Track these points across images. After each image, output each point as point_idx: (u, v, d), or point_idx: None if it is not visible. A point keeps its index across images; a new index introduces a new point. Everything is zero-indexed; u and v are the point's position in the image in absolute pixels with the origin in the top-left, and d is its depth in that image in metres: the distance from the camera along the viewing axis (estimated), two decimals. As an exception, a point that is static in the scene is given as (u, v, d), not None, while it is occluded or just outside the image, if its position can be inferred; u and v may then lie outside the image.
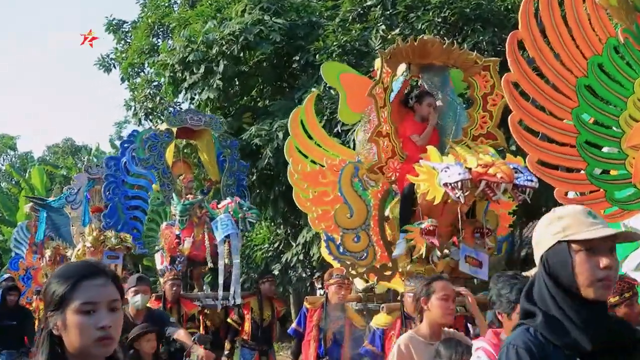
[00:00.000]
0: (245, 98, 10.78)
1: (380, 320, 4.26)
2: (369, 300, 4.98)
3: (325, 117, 8.07)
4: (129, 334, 3.85)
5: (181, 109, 7.90)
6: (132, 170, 8.12)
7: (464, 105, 5.12)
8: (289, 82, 10.33)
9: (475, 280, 4.78)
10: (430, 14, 7.77)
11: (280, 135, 8.39)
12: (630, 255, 3.86)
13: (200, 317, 6.50)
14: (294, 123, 5.44)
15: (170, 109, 10.32)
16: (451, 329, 3.13)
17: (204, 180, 8.46)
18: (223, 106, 10.21)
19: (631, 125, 3.43)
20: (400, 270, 4.54)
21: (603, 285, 1.47)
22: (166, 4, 12.87)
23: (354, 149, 5.65)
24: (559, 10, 3.46)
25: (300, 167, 5.11)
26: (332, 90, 7.94)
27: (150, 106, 11.40)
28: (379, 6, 8.43)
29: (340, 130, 7.97)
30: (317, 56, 8.74)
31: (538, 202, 6.89)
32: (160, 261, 7.27)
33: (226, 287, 6.45)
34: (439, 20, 7.74)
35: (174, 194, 7.01)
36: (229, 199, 6.70)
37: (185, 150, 8.59)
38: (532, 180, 3.92)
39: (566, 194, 3.64)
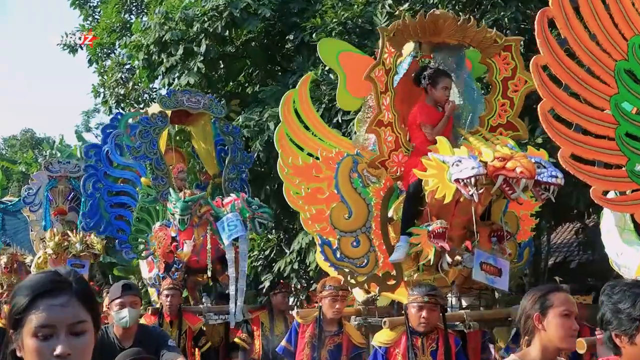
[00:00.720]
0: (231, 83, 10.77)
1: (382, 336, 4.29)
2: (370, 314, 5.01)
3: (323, 105, 8.06)
4: None
5: (170, 94, 7.60)
6: (117, 160, 7.88)
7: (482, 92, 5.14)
8: (282, 65, 10.32)
9: (495, 293, 4.82)
10: (445, -15, 7.78)
11: (272, 126, 8.38)
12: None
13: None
14: (285, 108, 5.47)
15: (146, 95, 10.32)
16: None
17: (199, 173, 8.29)
18: (206, 93, 10.24)
19: (679, 115, 3.43)
20: (405, 279, 4.59)
21: None
22: (140, -25, 12.92)
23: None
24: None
25: (292, 160, 5.14)
26: (331, 75, 7.96)
27: (122, 93, 11.41)
28: (385, -24, 8.44)
29: (341, 120, 7.98)
30: (313, 35, 8.74)
31: (568, 203, 6.93)
32: (148, 268, 7.17)
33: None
34: (454, -8, 7.74)
35: (171, 190, 6.77)
36: (233, 195, 6.58)
37: (177, 138, 8.38)
38: (556, 176, 3.95)
39: (605, 193, 3.63)
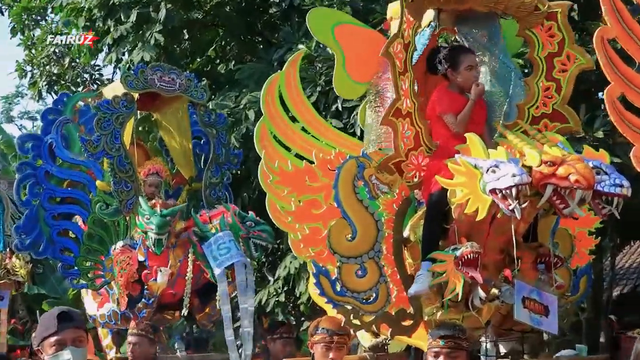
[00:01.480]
0: (198, 60, 10.78)
1: (396, 393, 4.28)
2: (380, 363, 4.99)
3: (319, 89, 8.08)
4: None
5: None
6: (64, 157, 7.51)
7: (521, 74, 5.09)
8: (264, 36, 10.34)
9: (545, 335, 4.80)
10: None
11: (251, 115, 8.40)
12: None
13: None
14: (269, 97, 5.40)
15: (86, 75, 10.24)
16: None
17: (169, 175, 8.02)
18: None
19: None
20: (425, 318, 4.53)
21: None
22: None
23: (360, 137, 5.62)
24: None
25: (278, 164, 5.09)
26: (329, 49, 7.92)
27: (55, 72, 11.37)
28: None
29: (341, 108, 7.96)
30: (305, -3, 8.73)
31: (637, 217, 6.89)
32: (97, 303, 6.90)
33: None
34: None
35: (140, 199, 6.54)
36: (221, 207, 6.46)
37: (139, 128, 8.26)
38: (621, 185, 3.92)
39: None
